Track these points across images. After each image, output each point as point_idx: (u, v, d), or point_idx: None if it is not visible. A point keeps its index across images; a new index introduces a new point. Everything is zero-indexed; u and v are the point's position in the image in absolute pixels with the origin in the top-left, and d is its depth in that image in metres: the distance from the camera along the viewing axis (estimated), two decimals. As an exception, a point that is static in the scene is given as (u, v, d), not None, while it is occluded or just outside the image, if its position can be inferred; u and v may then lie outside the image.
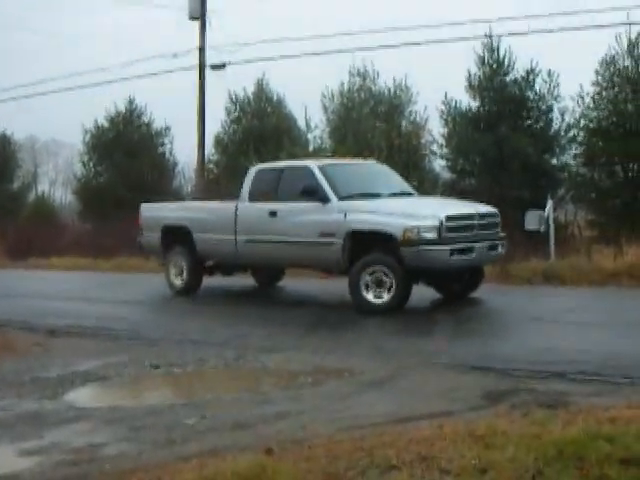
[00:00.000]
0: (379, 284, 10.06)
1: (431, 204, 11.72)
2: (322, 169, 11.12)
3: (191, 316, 10.85)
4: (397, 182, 12.13)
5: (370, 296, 10.11)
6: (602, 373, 6.47)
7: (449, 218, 10.04)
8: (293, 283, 13.74)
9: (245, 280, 13.81)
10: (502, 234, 11.06)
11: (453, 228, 10.06)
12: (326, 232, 10.60)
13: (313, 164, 11.47)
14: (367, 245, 10.31)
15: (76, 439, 5.27)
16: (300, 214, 11.01)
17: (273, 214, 11.30)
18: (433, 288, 11.25)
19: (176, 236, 12.82)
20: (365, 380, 6.71)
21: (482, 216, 10.68)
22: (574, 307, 10.60)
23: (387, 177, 12.21)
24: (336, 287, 12.49)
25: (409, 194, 11.79)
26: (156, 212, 13.65)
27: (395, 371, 6.96)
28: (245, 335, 9.04)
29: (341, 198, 10.68)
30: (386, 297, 10.04)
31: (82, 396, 6.62)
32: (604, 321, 9.50)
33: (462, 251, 10.04)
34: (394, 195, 11.39)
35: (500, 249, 10.93)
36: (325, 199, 10.73)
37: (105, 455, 4.89)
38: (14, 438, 5.35)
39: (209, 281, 13.12)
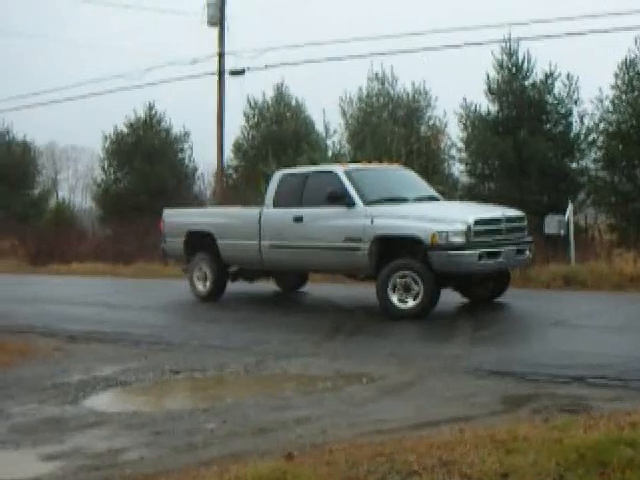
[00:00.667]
0: (407, 289, 10.03)
1: (458, 208, 11.70)
2: (348, 174, 11.08)
3: (211, 321, 10.87)
4: (423, 187, 12.07)
5: (398, 301, 10.08)
6: (623, 378, 6.44)
7: (477, 222, 9.99)
8: (314, 289, 13.75)
9: (267, 286, 13.83)
10: (529, 238, 11.03)
11: (481, 232, 10.01)
12: (352, 237, 10.58)
13: (339, 169, 11.40)
14: (394, 250, 10.28)
15: (97, 444, 5.30)
16: (326, 219, 10.98)
17: (298, 219, 11.28)
18: (459, 293, 11.24)
19: (200, 242, 12.80)
20: (385, 385, 6.70)
21: (509, 220, 10.64)
22: (594, 311, 10.55)
23: (413, 182, 12.14)
24: (356, 293, 12.52)
25: (435, 199, 11.72)
26: (180, 218, 13.62)
27: (415, 376, 6.95)
28: (265, 341, 9.04)
29: (367, 203, 10.64)
30: (414, 302, 9.99)
31: (103, 401, 6.65)
32: (624, 325, 9.46)
33: (490, 255, 9.99)
34: (420, 200, 11.31)
35: (527, 253, 10.87)
36: (351, 204, 10.69)
37: (126, 460, 4.92)
38: (36, 443, 5.39)
39: (229, 287, 13.11)
